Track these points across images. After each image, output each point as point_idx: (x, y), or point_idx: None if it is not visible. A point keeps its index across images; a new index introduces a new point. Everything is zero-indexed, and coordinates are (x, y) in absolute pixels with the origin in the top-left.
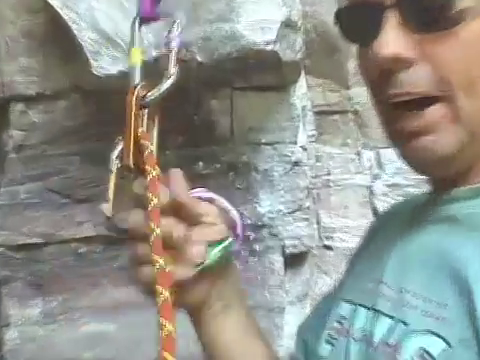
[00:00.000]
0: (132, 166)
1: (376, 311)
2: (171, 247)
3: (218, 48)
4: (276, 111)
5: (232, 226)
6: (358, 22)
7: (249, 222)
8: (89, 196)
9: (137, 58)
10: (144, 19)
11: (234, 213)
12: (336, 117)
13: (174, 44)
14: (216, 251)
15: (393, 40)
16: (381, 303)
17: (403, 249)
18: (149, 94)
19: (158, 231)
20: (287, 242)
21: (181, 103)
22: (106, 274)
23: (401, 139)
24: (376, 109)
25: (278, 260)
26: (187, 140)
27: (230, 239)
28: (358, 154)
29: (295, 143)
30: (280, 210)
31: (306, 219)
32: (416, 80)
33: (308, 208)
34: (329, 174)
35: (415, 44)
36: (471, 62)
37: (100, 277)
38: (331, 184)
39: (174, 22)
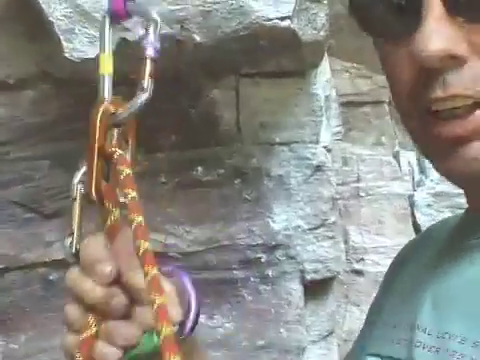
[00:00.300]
0: (94, 197)
1: None
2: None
3: (221, 25)
4: (293, 103)
5: (186, 311)
6: (386, 11)
7: (260, 242)
8: (60, 209)
9: (108, 66)
10: (116, 17)
11: (192, 299)
12: (367, 109)
13: (150, 52)
14: (153, 337)
15: (440, 33)
16: (419, 354)
17: (441, 283)
18: (119, 112)
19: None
20: (307, 266)
21: (175, 94)
22: None
23: (442, 148)
24: (405, 119)
25: (296, 289)
26: (183, 140)
27: (175, 328)
28: (395, 156)
29: (317, 142)
30: (299, 226)
31: (331, 237)
32: (467, 81)
33: (334, 224)
34: (359, 181)
35: (465, 38)
36: None
37: None
38: (362, 193)
39: (150, 23)
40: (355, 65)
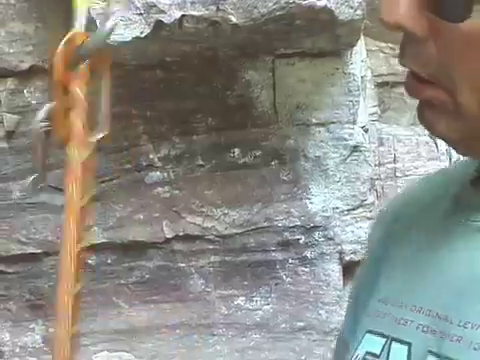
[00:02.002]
0: (61, 141)
1: (439, 356)
2: None
3: (257, 6)
4: (329, 83)
5: None
6: None
7: (298, 223)
8: (98, 194)
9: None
10: None
11: None
12: (403, 89)
13: None
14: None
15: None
16: (448, 346)
17: (457, 270)
18: (86, 43)
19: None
20: (346, 247)
21: (211, 76)
22: (120, 291)
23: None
24: None
25: (335, 270)
26: (219, 122)
27: None
28: (431, 136)
29: (354, 123)
30: (337, 207)
31: (369, 218)
32: (419, 59)
33: (372, 204)
34: (395, 161)
35: (427, 22)
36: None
37: (113, 294)
38: (398, 174)
39: None
40: (390, 45)
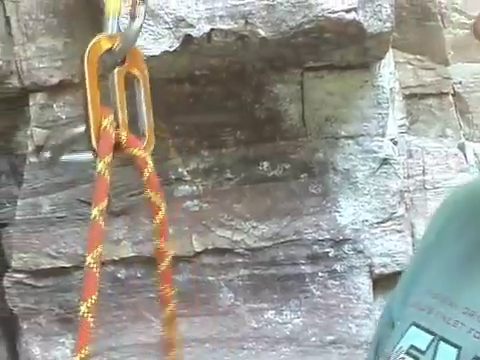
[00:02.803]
0: (95, 148)
1: None
2: None
3: (285, 19)
4: (358, 96)
5: None
6: None
7: (327, 236)
8: (127, 207)
9: (115, 6)
10: None
11: None
12: (431, 101)
13: None
14: None
15: None
16: None
17: None
18: (114, 46)
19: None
20: (375, 260)
21: (239, 89)
22: (149, 305)
23: None
24: None
25: (365, 283)
26: (248, 136)
27: None
28: (461, 147)
29: (383, 135)
30: (366, 220)
31: (399, 231)
32: None
33: (401, 217)
34: (424, 173)
35: None
36: None
37: (142, 308)
38: (427, 186)
39: None
40: (418, 57)
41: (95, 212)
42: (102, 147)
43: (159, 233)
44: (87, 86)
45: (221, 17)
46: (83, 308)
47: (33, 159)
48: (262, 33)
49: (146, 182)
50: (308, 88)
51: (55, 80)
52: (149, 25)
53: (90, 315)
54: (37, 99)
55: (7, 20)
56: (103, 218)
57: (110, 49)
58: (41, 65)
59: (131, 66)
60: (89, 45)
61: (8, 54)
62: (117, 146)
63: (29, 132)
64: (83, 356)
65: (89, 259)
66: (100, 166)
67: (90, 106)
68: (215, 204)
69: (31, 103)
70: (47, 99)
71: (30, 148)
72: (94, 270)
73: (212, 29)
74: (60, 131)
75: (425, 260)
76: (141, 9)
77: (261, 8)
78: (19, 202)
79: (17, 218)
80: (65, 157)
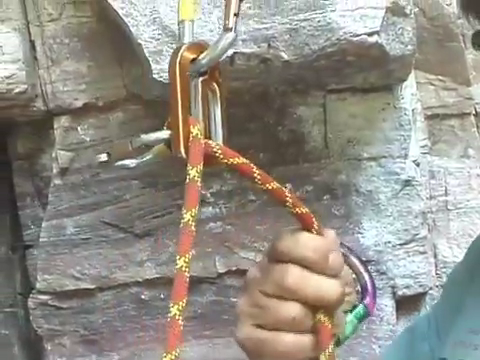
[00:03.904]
0: (184, 156)
1: None
2: None
3: (308, 42)
4: (381, 118)
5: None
6: None
7: None
8: (150, 229)
9: (188, 11)
10: None
11: (366, 276)
12: (453, 122)
13: None
14: (350, 320)
15: None
16: None
17: None
18: (201, 56)
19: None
20: (399, 282)
21: (262, 111)
22: None
23: None
24: None
25: (388, 305)
26: (270, 158)
27: (361, 306)
28: None
29: (405, 157)
30: (389, 242)
31: (422, 252)
32: None
33: (424, 238)
34: (447, 194)
35: None
36: None
37: (166, 330)
38: (450, 207)
39: None
40: (439, 77)
41: (188, 216)
42: (194, 154)
43: None
44: (178, 92)
45: (244, 41)
46: (174, 310)
47: (58, 181)
48: (285, 56)
49: (261, 183)
50: (331, 110)
51: (79, 103)
52: (172, 48)
53: (181, 318)
54: (62, 122)
55: (32, 44)
56: (195, 224)
57: (195, 58)
58: (65, 88)
59: (212, 78)
60: (180, 51)
61: (33, 77)
62: (209, 155)
63: (54, 154)
64: (173, 357)
65: (181, 262)
66: (192, 173)
67: (180, 112)
68: (238, 226)
69: (55, 126)
70: (71, 122)
71: (55, 170)
72: (186, 274)
73: (235, 52)
74: (108, 145)
75: (461, 298)
76: (235, 22)
77: (284, 32)
78: (43, 224)
79: (41, 240)
80: (140, 138)
